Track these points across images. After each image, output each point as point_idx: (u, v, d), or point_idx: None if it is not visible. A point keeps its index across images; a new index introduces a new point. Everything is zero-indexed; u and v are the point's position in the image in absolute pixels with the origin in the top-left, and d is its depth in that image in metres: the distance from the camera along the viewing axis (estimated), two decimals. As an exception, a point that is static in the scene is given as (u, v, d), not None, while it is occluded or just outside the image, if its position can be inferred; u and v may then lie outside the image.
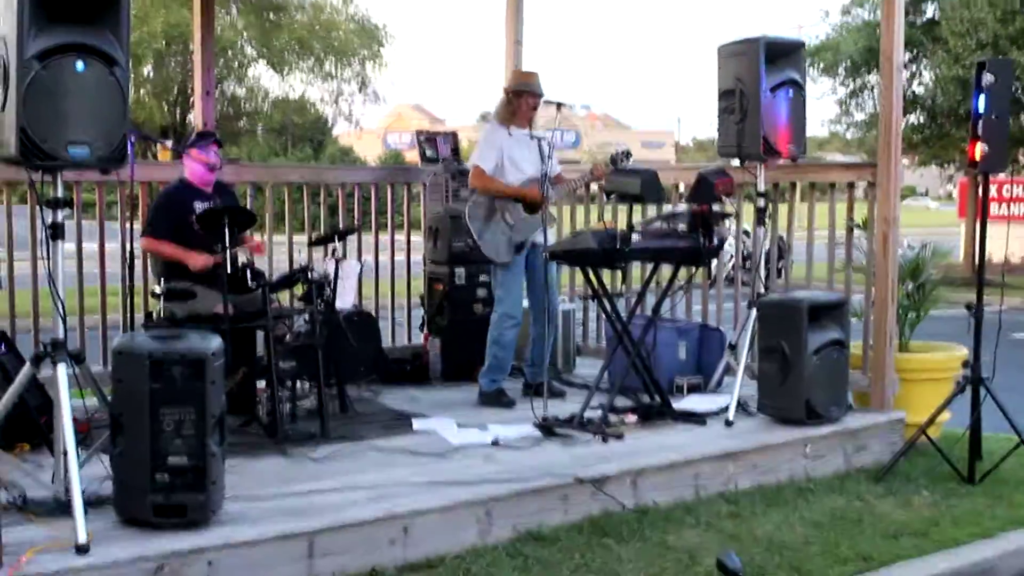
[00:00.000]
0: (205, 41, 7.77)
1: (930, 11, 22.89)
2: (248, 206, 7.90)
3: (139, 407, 4.54)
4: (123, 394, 4.60)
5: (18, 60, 4.39)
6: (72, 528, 4.34)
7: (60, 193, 4.65)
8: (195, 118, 7.98)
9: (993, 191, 24.62)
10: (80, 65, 4.50)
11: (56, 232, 4.64)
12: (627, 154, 7.29)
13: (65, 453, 4.53)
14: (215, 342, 4.72)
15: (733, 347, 7.51)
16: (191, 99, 23.96)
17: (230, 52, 23.70)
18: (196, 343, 4.66)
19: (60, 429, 4.58)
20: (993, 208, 24.21)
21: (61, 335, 4.70)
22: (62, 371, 4.62)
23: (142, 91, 23.65)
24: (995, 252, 18.03)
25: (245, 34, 24.08)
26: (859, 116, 26.23)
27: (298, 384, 6.87)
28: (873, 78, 25.06)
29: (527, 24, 9.26)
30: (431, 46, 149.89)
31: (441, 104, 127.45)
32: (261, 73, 25.22)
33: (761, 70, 6.87)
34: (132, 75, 23.95)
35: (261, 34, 23.78)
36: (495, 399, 7.34)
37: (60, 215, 4.65)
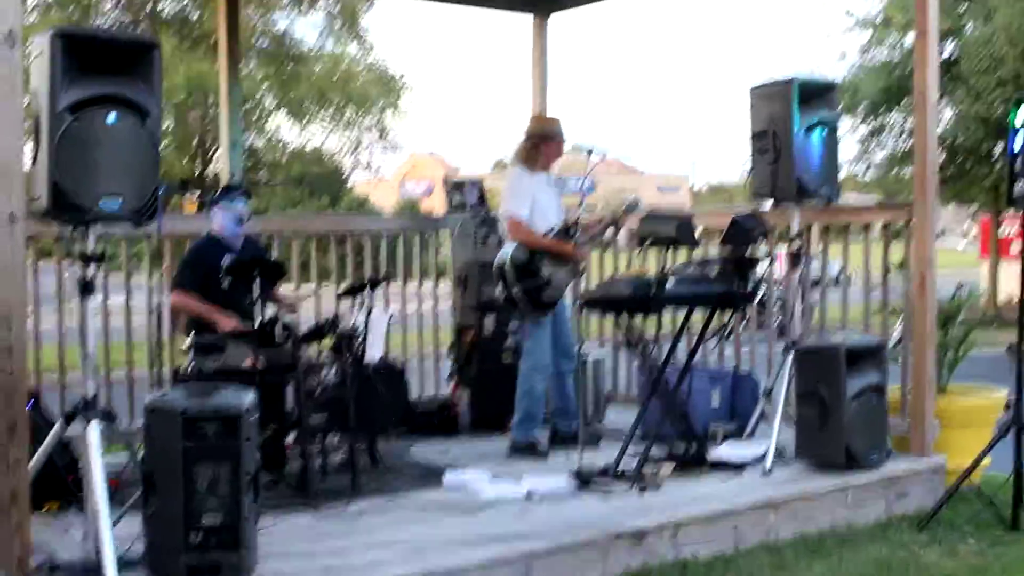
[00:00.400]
0: (231, 92, 7.74)
1: (948, 49, 22.83)
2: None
3: (172, 465, 4.45)
4: (156, 452, 4.51)
5: (50, 112, 4.34)
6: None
7: (91, 248, 4.58)
8: (222, 170, 7.93)
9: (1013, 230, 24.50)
10: (112, 116, 4.45)
11: (87, 288, 4.56)
12: (636, 203, 7.28)
13: (97, 514, 4.42)
14: (248, 397, 4.64)
15: (768, 393, 7.38)
16: (210, 152, 24.07)
17: (249, 104, 23.77)
18: (230, 399, 4.58)
19: (92, 489, 4.48)
20: (1016, 247, 24.10)
21: (92, 393, 4.61)
22: (94, 430, 4.53)
23: (162, 144, 23.73)
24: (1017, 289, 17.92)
25: (264, 85, 24.16)
26: (878, 156, 26.18)
27: (328, 438, 6.79)
28: (893, 117, 25.05)
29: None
30: (445, 95, 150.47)
31: (455, 152, 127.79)
32: (280, 124, 25.34)
33: (794, 111, 6.78)
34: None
35: (280, 85, 23.85)
36: (528, 450, 7.22)
37: (91, 270, 4.57)
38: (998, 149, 22.89)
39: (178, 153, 24.07)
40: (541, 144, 7.33)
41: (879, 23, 24.50)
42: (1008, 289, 17.86)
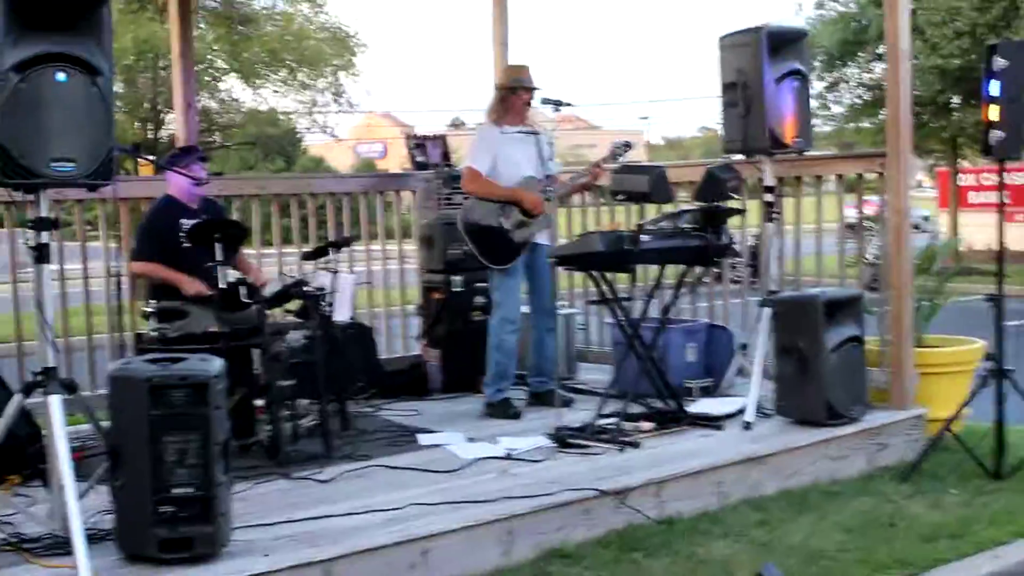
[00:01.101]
0: (184, 53, 7.51)
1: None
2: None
3: (139, 436, 4.26)
4: (122, 422, 4.32)
5: (-6, 73, 4.10)
6: (73, 566, 4.06)
7: (44, 213, 4.35)
8: (177, 132, 7.69)
9: (974, 179, 24.57)
10: (61, 76, 4.21)
11: (42, 255, 4.34)
12: (627, 145, 7.03)
13: (62, 488, 4.24)
14: (216, 364, 4.45)
15: (744, 347, 7.26)
16: (162, 114, 23.62)
17: (200, 66, 23.32)
18: (197, 366, 4.39)
19: (57, 462, 4.29)
20: (974, 197, 24.18)
21: (52, 362, 4.40)
22: (56, 402, 4.33)
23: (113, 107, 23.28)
24: (979, 242, 17.97)
25: (215, 47, 23.70)
26: (837, 109, 26.18)
27: (297, 402, 6.61)
28: (850, 70, 25.02)
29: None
30: (399, 53, 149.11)
31: (411, 112, 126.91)
32: (233, 86, 24.86)
33: (764, 61, 6.63)
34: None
35: (231, 46, 23.41)
36: (501, 410, 7.07)
37: (45, 236, 4.35)
38: (956, 101, 22.92)
39: (129, 117, 23.59)
40: (509, 96, 7.14)
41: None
42: (970, 239, 17.84)
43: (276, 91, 24.83)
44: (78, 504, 4.21)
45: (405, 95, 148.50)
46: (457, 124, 63.26)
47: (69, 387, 4.46)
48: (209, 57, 24.15)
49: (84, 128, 4.27)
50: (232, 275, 6.02)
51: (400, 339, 8.69)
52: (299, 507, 5.09)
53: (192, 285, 6.16)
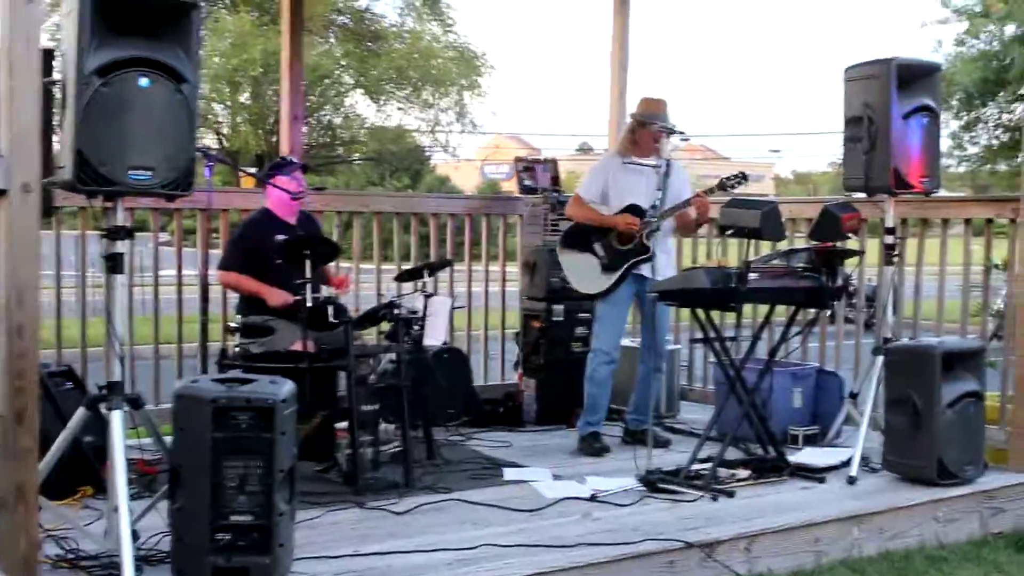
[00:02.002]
0: (293, 65, 7.40)
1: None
2: (336, 238, 7.53)
3: (200, 458, 4.10)
4: (184, 443, 4.16)
5: (77, 75, 3.99)
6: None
7: (120, 221, 4.23)
8: (282, 144, 7.59)
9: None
10: (144, 81, 4.09)
11: (115, 265, 4.21)
12: (741, 177, 6.70)
13: (116, 510, 4.09)
14: (286, 387, 4.26)
15: (854, 396, 6.88)
16: (289, 127, 23.82)
17: (327, 81, 23.53)
18: (264, 388, 4.21)
19: (113, 481, 4.15)
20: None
21: (117, 376, 4.27)
22: (117, 419, 4.19)
23: (238, 118, 23.58)
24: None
25: (343, 63, 23.87)
26: (972, 150, 25.37)
27: (383, 427, 6.44)
28: (989, 110, 24.23)
29: (632, 47, 8.71)
30: (530, 76, 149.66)
31: (539, 135, 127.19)
32: (358, 101, 25.00)
33: (892, 95, 6.26)
34: (230, 103, 24.23)
35: (359, 62, 23.54)
36: (587, 444, 6.84)
37: (120, 246, 4.23)
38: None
39: (253, 128, 23.84)
40: (639, 129, 6.89)
41: (977, 12, 23.66)
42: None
43: (400, 108, 24.92)
44: (130, 527, 4.05)
45: (533, 118, 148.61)
46: (585, 149, 63.12)
47: (134, 403, 4.32)
48: (336, 72, 24.33)
49: (165, 136, 4.14)
50: (324, 293, 5.88)
51: (498, 366, 8.46)
52: (369, 540, 4.89)
53: (277, 296, 6.04)
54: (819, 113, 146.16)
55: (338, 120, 25.24)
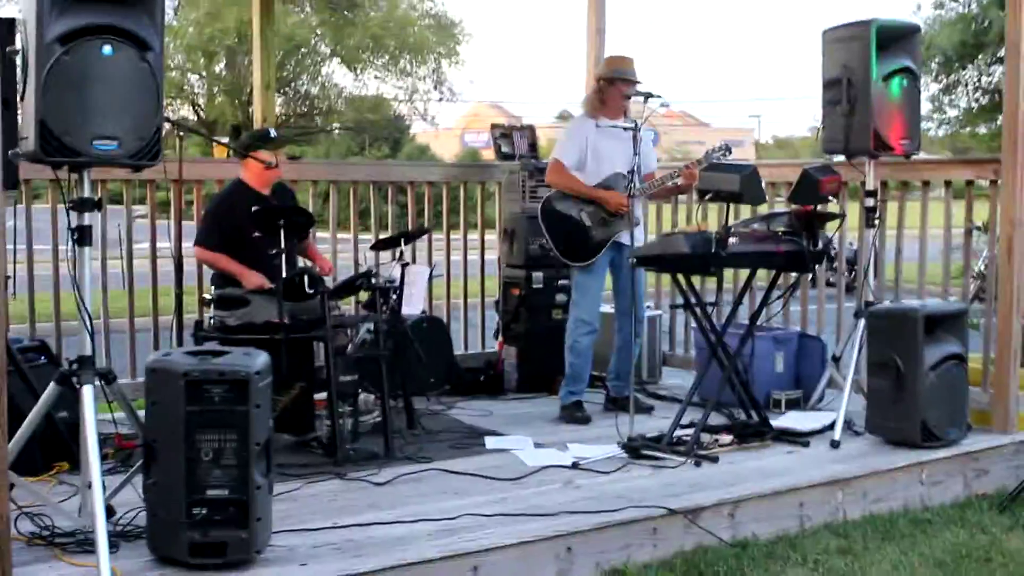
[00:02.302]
0: (264, 33, 7.28)
1: None
2: (312, 208, 7.45)
3: (174, 432, 4.02)
4: (157, 417, 4.08)
5: (37, 43, 3.89)
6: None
7: (87, 193, 4.13)
8: (255, 113, 7.48)
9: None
10: (108, 49, 3.98)
11: (82, 237, 4.12)
12: (726, 148, 6.63)
13: (89, 486, 4.02)
14: (260, 359, 4.18)
15: (836, 359, 6.84)
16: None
17: (303, 50, 23.31)
18: (238, 361, 4.13)
19: (86, 457, 4.08)
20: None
21: (87, 351, 4.19)
22: (88, 393, 4.11)
23: (215, 89, 23.38)
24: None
25: (319, 31, 23.65)
26: (952, 113, 25.39)
27: (362, 398, 6.38)
28: (968, 73, 24.20)
29: (609, 14, 8.59)
30: (509, 44, 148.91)
31: (519, 103, 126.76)
32: (335, 70, 24.79)
33: (872, 56, 6.20)
34: (205, 74, 24.02)
35: (335, 31, 23.33)
36: (570, 413, 6.79)
37: (87, 218, 4.14)
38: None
39: (228, 98, 23.64)
40: (607, 88, 6.80)
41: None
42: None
43: (377, 77, 24.73)
44: (104, 503, 3.98)
45: (513, 86, 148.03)
46: (565, 116, 62.82)
47: (105, 377, 4.24)
48: (313, 41, 24.13)
49: (131, 105, 4.04)
50: (300, 264, 5.82)
51: (478, 334, 8.40)
52: (348, 511, 4.84)
53: (253, 278, 5.97)
54: (798, 78, 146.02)
55: (315, 90, 25.04)
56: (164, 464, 4.06)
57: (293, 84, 24.57)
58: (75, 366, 4.18)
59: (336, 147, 35.32)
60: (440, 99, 25.53)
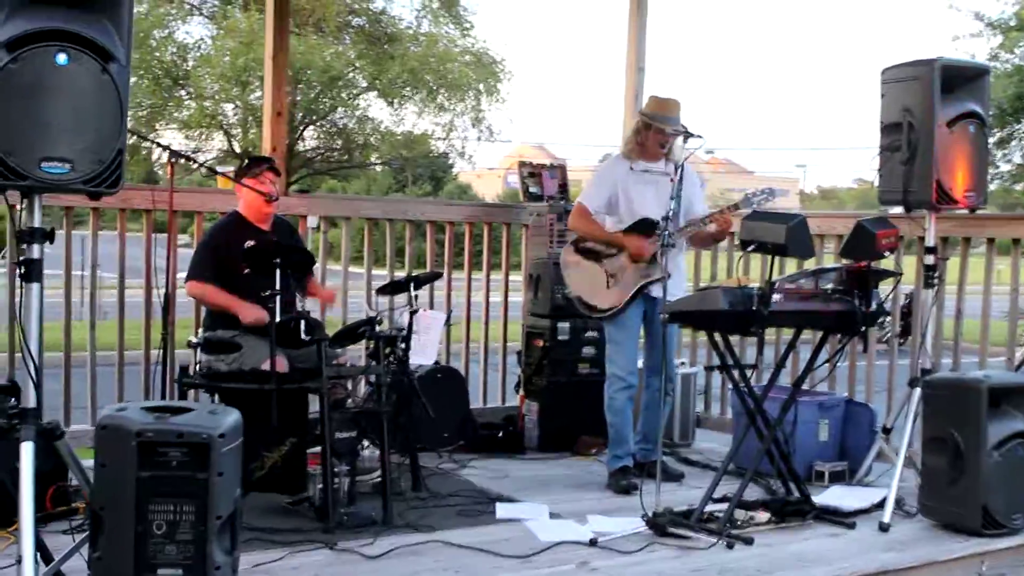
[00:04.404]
0: (277, 57, 6.78)
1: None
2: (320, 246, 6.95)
3: (123, 500, 3.50)
4: (105, 481, 3.56)
5: (-20, 50, 3.39)
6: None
7: (36, 222, 3.62)
8: (264, 142, 6.98)
9: None
10: (62, 58, 3.48)
11: (30, 272, 3.60)
12: (768, 192, 6.07)
13: (24, 554, 3.48)
14: (228, 419, 3.65)
15: (887, 431, 6.23)
16: (298, 127, 23.18)
17: (340, 83, 22.91)
18: (200, 420, 3.59)
19: (21, 527, 3.54)
20: None
21: (31, 403, 3.66)
22: (27, 452, 3.58)
23: (248, 118, 23.00)
24: None
25: (356, 64, 23.27)
26: (1005, 167, 24.70)
27: (367, 454, 5.85)
28: (1022, 127, 23.55)
29: (651, 56, 8.07)
30: (555, 86, 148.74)
31: (564, 145, 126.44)
32: (371, 103, 24.36)
33: (936, 99, 5.64)
34: (240, 103, 23.65)
35: (372, 64, 22.94)
36: (615, 482, 6.25)
37: (36, 251, 3.62)
38: None
39: (261, 128, 23.28)
40: (644, 131, 6.25)
41: (1012, 26, 22.99)
42: None
43: (415, 111, 24.32)
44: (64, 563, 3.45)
45: (557, 128, 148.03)
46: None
47: (49, 434, 3.70)
48: (350, 74, 23.74)
49: (88, 123, 3.54)
50: (299, 306, 5.31)
51: (498, 386, 7.84)
52: (331, 590, 4.28)
53: (250, 312, 5.45)
54: (844, 128, 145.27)
55: (352, 124, 24.62)
56: (111, 536, 3.53)
57: (329, 117, 24.19)
58: (14, 420, 3.64)
59: (378, 185, 34.91)
60: (479, 138, 25.06)
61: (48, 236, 3.65)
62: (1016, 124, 23.73)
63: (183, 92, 23.38)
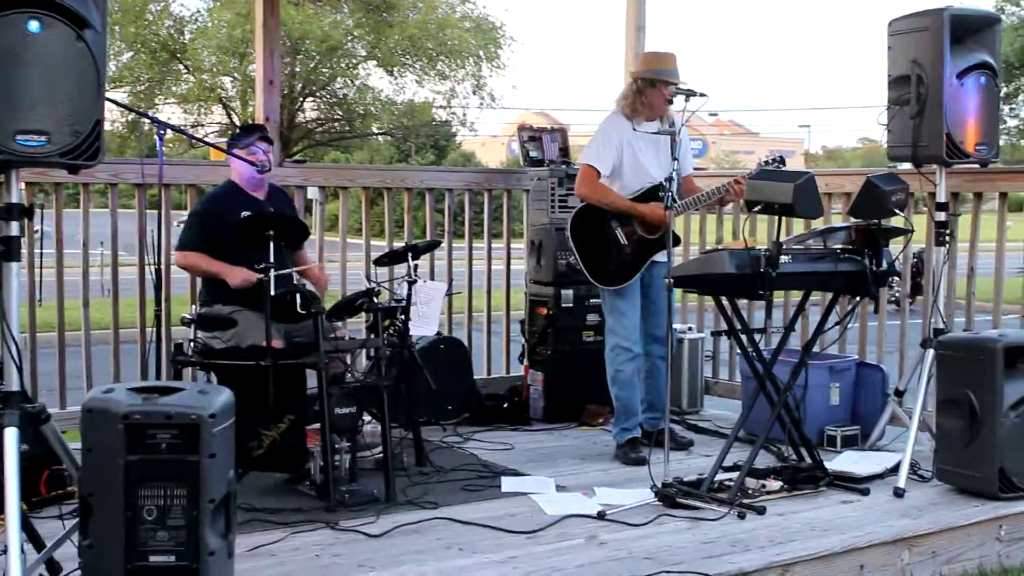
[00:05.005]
0: (268, 23, 6.61)
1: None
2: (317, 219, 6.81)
3: (111, 485, 3.37)
4: (93, 467, 3.42)
5: (-50, 17, 3.24)
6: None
7: (14, 198, 3.47)
8: (257, 111, 6.83)
9: None
10: (35, 25, 3.33)
11: (9, 250, 3.46)
12: (779, 161, 5.91)
13: (9, 542, 3.36)
14: (219, 399, 3.51)
15: (900, 393, 6.09)
16: (297, 98, 23.01)
17: (339, 52, 22.70)
18: (190, 400, 3.45)
19: (7, 517, 3.41)
20: None
21: (15, 385, 3.53)
22: (10, 437, 3.45)
23: (248, 90, 22.80)
24: None
25: (354, 33, 23.04)
26: (1012, 123, 24.52)
27: (368, 428, 5.72)
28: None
29: (651, 18, 7.88)
30: (555, 50, 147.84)
31: (568, 111, 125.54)
32: (371, 74, 24.15)
33: (946, 50, 5.47)
34: (237, 75, 23.49)
35: (371, 33, 22.71)
36: (624, 453, 6.11)
37: (15, 227, 3.48)
38: None
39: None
40: (648, 89, 6.06)
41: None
42: None
43: (416, 80, 24.11)
44: (21, 565, 3.32)
45: (561, 93, 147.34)
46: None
47: (36, 417, 3.58)
48: (348, 44, 23.52)
49: (63, 94, 3.39)
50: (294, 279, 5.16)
51: (502, 356, 7.71)
52: (334, 571, 4.17)
53: (237, 274, 5.30)
54: (847, 87, 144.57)
55: (351, 94, 24.41)
56: (100, 522, 3.40)
57: (329, 87, 23.98)
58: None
59: (380, 155, 34.68)
60: (480, 105, 24.86)
61: (27, 212, 3.51)
62: (1023, 78, 23.53)
63: (181, 66, 23.20)
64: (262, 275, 4.93)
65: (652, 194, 5.99)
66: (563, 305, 7.01)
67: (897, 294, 7.34)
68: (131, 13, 22.02)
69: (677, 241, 5.97)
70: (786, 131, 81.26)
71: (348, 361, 5.54)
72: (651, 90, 6.05)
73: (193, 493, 3.38)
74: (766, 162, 5.90)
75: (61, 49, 3.38)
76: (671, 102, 6.01)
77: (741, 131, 69.80)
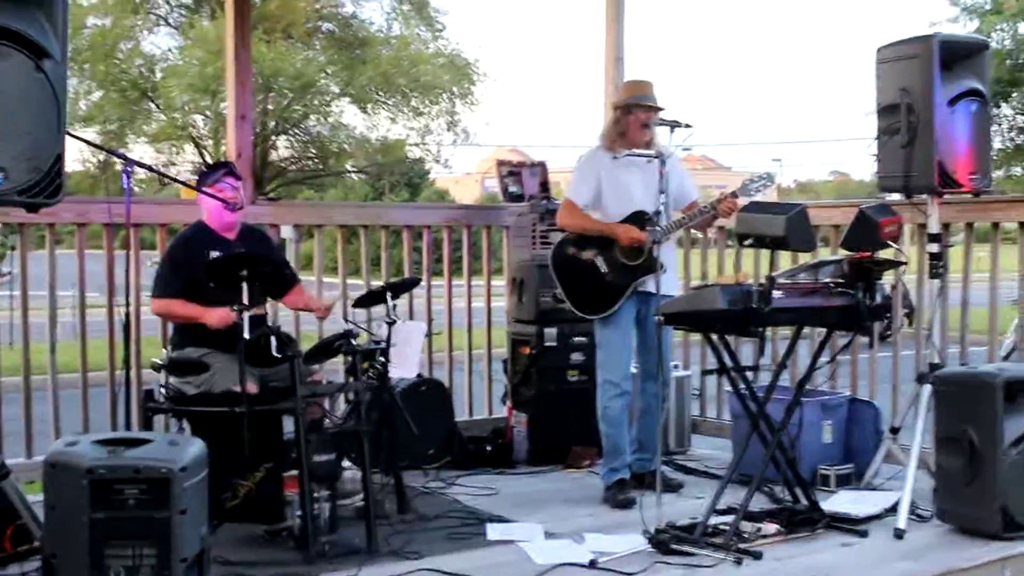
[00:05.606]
0: (240, 57, 6.43)
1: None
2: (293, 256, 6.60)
3: (76, 544, 3.15)
4: (56, 524, 3.21)
5: (-99, 47, 3.06)
6: None
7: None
8: (229, 147, 6.63)
9: None
10: (-9, 56, 3.14)
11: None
12: (766, 178, 5.78)
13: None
14: (190, 451, 3.31)
15: (894, 431, 5.93)
16: (270, 136, 22.82)
17: (312, 90, 22.55)
18: (159, 453, 3.25)
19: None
20: None
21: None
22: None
23: (219, 128, 22.64)
24: None
25: (328, 70, 22.92)
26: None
27: (348, 475, 5.50)
28: (1003, 110, 23.36)
29: (629, 50, 7.75)
30: (532, 89, 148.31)
31: (541, 148, 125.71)
32: (344, 110, 24.00)
33: (935, 77, 5.34)
34: (209, 113, 23.31)
35: (344, 69, 22.60)
36: (612, 496, 5.90)
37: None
38: None
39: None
40: (623, 117, 5.94)
41: (988, 10, 22.84)
42: None
43: (389, 117, 23.99)
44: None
45: (535, 130, 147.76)
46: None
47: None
48: (322, 81, 23.38)
49: (21, 127, 3.21)
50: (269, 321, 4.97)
51: (484, 397, 7.51)
52: (312, 629, 3.95)
53: (213, 315, 5.08)
54: (818, 120, 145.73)
55: (325, 131, 24.25)
56: (64, 585, 3.18)
57: (302, 124, 23.83)
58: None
59: (355, 194, 34.47)
60: (454, 141, 24.75)
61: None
62: (995, 108, 23.57)
63: (152, 105, 23.01)
64: (238, 322, 4.74)
65: (638, 219, 5.84)
66: (546, 344, 6.82)
67: (891, 326, 7.17)
68: (100, 51, 21.86)
69: (666, 269, 5.79)
70: (759, 165, 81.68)
71: (326, 406, 5.32)
72: (627, 118, 5.93)
73: (164, 552, 3.19)
74: (752, 180, 5.77)
75: (18, 80, 3.21)
76: (647, 127, 5.87)
77: (713, 166, 69.99)
